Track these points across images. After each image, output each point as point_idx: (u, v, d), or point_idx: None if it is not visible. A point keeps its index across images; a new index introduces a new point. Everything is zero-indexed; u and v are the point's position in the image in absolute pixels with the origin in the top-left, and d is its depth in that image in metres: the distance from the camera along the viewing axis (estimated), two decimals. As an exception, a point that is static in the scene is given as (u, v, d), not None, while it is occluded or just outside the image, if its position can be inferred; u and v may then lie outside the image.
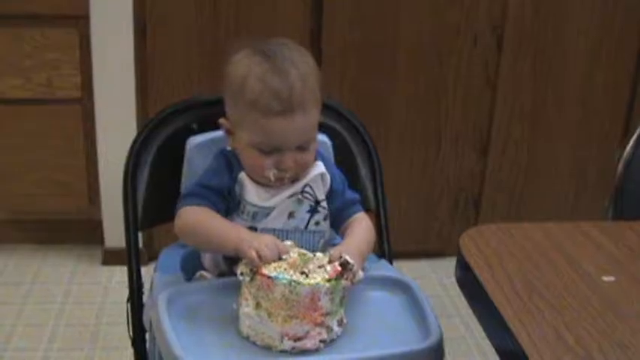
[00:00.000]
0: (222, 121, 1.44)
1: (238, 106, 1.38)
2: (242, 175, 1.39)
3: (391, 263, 1.65)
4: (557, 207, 2.93)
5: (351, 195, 1.50)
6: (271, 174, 1.36)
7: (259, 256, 1.23)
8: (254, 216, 1.39)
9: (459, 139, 2.85)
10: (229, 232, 1.33)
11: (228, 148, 1.45)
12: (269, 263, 1.23)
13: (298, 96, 1.33)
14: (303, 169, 1.40)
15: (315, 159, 1.43)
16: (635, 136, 1.70)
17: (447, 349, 2.40)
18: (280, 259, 1.24)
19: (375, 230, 1.66)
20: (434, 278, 2.72)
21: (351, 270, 1.25)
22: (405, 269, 2.72)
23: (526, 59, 2.76)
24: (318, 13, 2.64)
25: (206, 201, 1.38)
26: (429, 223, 2.93)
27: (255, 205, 1.38)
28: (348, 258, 1.25)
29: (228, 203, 1.40)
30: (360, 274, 1.28)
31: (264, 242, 1.26)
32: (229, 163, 1.42)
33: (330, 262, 1.25)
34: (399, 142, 2.82)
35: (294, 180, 1.40)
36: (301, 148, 1.37)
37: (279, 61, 1.35)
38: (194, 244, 1.44)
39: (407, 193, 2.89)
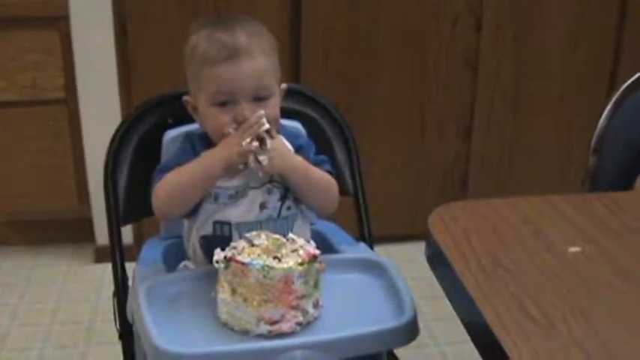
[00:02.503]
0: (185, 98, 1.48)
1: (192, 69, 1.43)
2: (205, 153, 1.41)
3: (372, 246, 1.66)
4: (544, 183, 2.95)
5: (316, 158, 1.50)
6: (231, 129, 1.37)
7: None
8: (215, 197, 1.40)
9: (443, 121, 2.87)
10: (200, 165, 1.38)
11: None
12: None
13: (244, 44, 1.38)
14: None
15: (278, 132, 1.45)
16: (606, 111, 1.72)
17: (439, 330, 2.44)
18: (252, 244, 1.27)
19: (355, 214, 1.70)
20: (423, 260, 2.73)
21: (265, 147, 1.32)
22: (394, 253, 2.77)
23: (506, 38, 2.78)
24: (298, 1, 2.66)
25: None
26: (416, 206, 2.94)
27: (215, 186, 1.40)
28: (268, 140, 1.32)
29: None
30: (265, 160, 1.33)
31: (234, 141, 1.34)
32: (192, 143, 1.45)
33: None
34: (384, 127, 2.84)
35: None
36: (258, 99, 1.39)
37: (227, 23, 1.41)
38: (179, 207, 1.43)
39: (393, 177, 2.91)
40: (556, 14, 2.78)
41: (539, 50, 2.81)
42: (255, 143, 1.32)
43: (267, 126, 1.33)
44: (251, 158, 1.33)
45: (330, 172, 1.48)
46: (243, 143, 1.32)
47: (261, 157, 1.32)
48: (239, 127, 1.37)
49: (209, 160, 1.37)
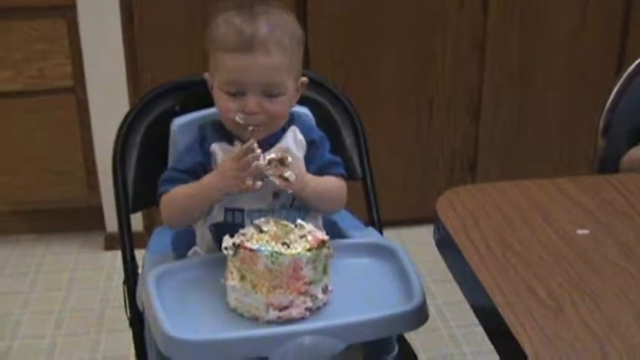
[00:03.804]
0: (206, 75, 1.47)
1: (211, 52, 1.41)
2: (214, 147, 1.42)
3: (381, 230, 1.67)
4: (552, 165, 2.94)
5: (329, 157, 1.49)
6: (237, 117, 1.37)
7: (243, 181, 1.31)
8: None
9: (451, 104, 2.86)
10: (204, 192, 1.38)
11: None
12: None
13: (261, 36, 1.35)
14: (272, 119, 1.40)
15: (291, 123, 1.45)
16: (613, 93, 1.71)
17: (450, 313, 2.45)
18: (261, 230, 1.27)
19: (364, 198, 1.70)
20: (433, 243, 2.74)
21: (286, 165, 1.31)
22: (404, 236, 2.78)
23: (513, 19, 2.77)
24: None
25: (179, 184, 1.41)
26: (426, 189, 2.94)
27: None
28: (289, 157, 1.31)
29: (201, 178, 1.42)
30: (292, 175, 1.32)
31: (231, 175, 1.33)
32: (203, 135, 1.45)
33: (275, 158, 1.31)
34: (392, 111, 2.84)
35: (272, 141, 1.42)
36: (268, 94, 1.38)
37: (252, 10, 1.39)
38: (186, 222, 1.47)
39: (403, 161, 2.90)
40: (563, -6, 2.77)
41: (546, 31, 2.80)
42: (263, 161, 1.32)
43: (265, 161, 1.31)
44: (273, 178, 1.32)
45: (342, 175, 1.48)
46: (248, 181, 1.31)
47: (287, 174, 1.31)
48: (245, 117, 1.37)
49: (210, 189, 1.37)
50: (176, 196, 1.40)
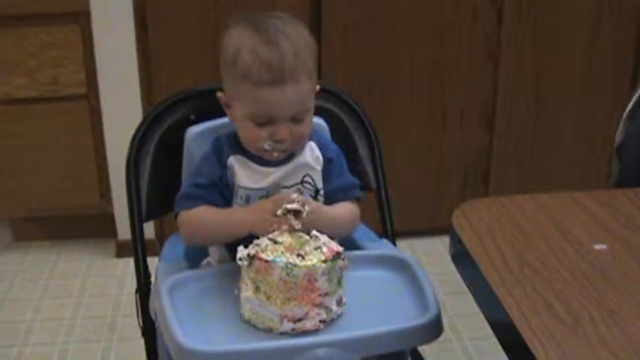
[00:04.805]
0: (219, 94, 1.46)
1: (232, 79, 1.39)
2: (231, 160, 1.41)
3: (394, 242, 1.66)
4: (566, 177, 2.93)
5: (347, 179, 1.49)
6: (266, 145, 1.37)
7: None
8: (247, 199, 1.40)
9: (465, 115, 2.85)
10: (234, 222, 1.37)
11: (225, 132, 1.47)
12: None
13: (289, 66, 1.33)
14: (299, 141, 1.41)
15: (310, 138, 1.44)
16: (630, 104, 1.70)
17: (462, 326, 2.44)
18: (276, 242, 1.26)
19: (377, 209, 1.69)
20: (446, 255, 2.73)
21: (299, 212, 1.30)
22: (417, 247, 2.78)
23: (527, 29, 2.76)
24: (318, -5, 2.65)
25: (200, 200, 1.41)
26: (439, 200, 2.93)
27: (246, 188, 1.40)
28: (306, 209, 1.31)
29: (224, 193, 1.41)
30: (298, 223, 1.31)
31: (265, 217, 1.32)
32: (219, 149, 1.43)
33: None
34: (405, 121, 2.83)
35: (290, 155, 1.42)
36: (295, 119, 1.37)
37: (271, 33, 1.36)
38: (207, 244, 1.49)
39: (416, 171, 2.90)
40: (577, 5, 2.76)
41: (561, 42, 2.79)
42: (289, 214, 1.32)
43: (298, 205, 1.31)
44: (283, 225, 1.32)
45: (357, 198, 1.49)
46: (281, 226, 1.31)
47: (294, 222, 1.31)
48: (274, 143, 1.37)
49: (237, 222, 1.37)
50: (201, 218, 1.40)
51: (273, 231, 1.29)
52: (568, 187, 2.93)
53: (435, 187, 2.95)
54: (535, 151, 2.93)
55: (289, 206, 1.31)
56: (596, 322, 0.99)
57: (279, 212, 1.31)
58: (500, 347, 1.06)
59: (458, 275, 1.25)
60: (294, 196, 1.33)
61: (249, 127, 1.38)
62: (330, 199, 1.46)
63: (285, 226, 1.30)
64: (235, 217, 1.38)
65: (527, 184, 2.92)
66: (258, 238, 1.30)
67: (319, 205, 1.39)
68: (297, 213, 1.30)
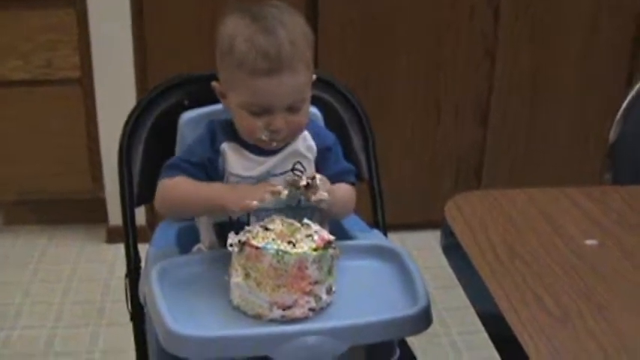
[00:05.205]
0: (214, 84, 1.44)
1: (227, 68, 1.37)
2: (224, 146, 1.40)
3: (385, 233, 1.66)
4: (560, 175, 2.93)
5: (344, 165, 1.49)
6: (263, 135, 1.36)
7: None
8: None
9: (459, 110, 2.85)
10: (209, 194, 1.35)
11: (218, 118, 1.46)
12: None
13: (286, 55, 1.32)
14: (295, 131, 1.40)
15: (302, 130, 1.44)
16: (625, 103, 1.70)
17: (451, 320, 2.44)
18: (267, 229, 1.26)
19: (370, 200, 1.69)
20: (438, 249, 2.73)
21: (313, 186, 1.28)
22: (408, 240, 2.77)
23: (523, 27, 2.76)
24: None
25: (183, 173, 1.39)
26: (432, 194, 2.93)
27: (238, 176, 1.39)
28: (317, 178, 1.29)
29: (210, 176, 1.41)
30: (324, 194, 1.29)
31: (250, 196, 1.28)
32: (213, 133, 1.42)
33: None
34: (400, 115, 2.83)
35: (285, 144, 1.41)
36: (292, 109, 1.36)
37: (267, 21, 1.34)
38: (173, 215, 1.46)
39: (409, 165, 2.90)
40: (575, 4, 2.76)
41: (557, 40, 2.79)
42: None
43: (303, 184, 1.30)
44: (308, 194, 1.31)
45: (352, 183, 1.48)
46: (251, 203, 1.28)
47: (323, 196, 1.30)
48: (270, 133, 1.36)
49: (211, 194, 1.35)
50: (177, 186, 1.38)
51: (246, 207, 1.28)
52: (561, 184, 2.95)
53: (428, 182, 2.95)
54: (529, 148, 2.93)
55: (302, 183, 1.29)
56: (585, 317, 1.00)
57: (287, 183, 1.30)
58: (488, 342, 1.06)
59: (448, 269, 1.25)
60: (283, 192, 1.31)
61: (245, 116, 1.37)
62: None
63: (263, 196, 1.28)
64: (213, 189, 1.37)
65: (520, 180, 2.92)
66: (248, 224, 1.30)
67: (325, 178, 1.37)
68: (308, 187, 1.29)
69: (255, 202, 1.26)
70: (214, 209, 1.36)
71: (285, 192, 1.28)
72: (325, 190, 1.31)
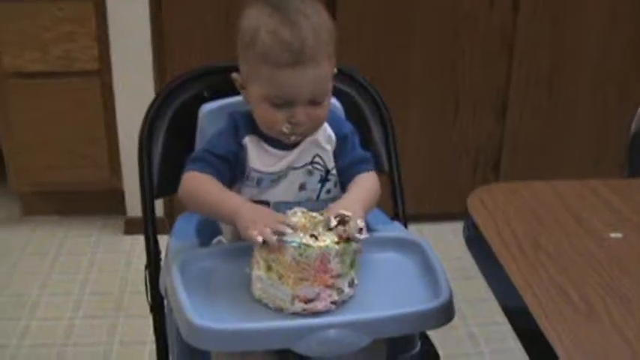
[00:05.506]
0: (234, 75, 1.43)
1: (249, 59, 1.36)
2: (246, 140, 1.40)
3: (406, 225, 1.65)
4: (577, 169, 2.92)
5: (360, 152, 1.48)
6: (284, 127, 1.35)
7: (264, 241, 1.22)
8: (258, 182, 1.39)
9: (477, 102, 2.84)
10: (224, 203, 1.34)
11: (239, 110, 1.45)
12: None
13: (310, 48, 1.31)
14: (316, 124, 1.39)
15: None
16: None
17: (468, 311, 2.44)
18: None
19: (390, 193, 1.68)
20: (455, 240, 2.73)
21: (348, 222, 1.23)
22: (427, 232, 2.77)
23: (543, 20, 2.75)
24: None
25: (210, 168, 1.38)
26: (449, 185, 2.93)
27: (258, 171, 1.39)
28: (344, 212, 1.25)
29: (234, 169, 1.40)
30: (360, 222, 1.25)
31: (266, 225, 1.23)
32: (236, 126, 1.42)
33: (331, 223, 1.25)
34: (418, 107, 2.82)
35: (305, 136, 1.40)
36: (314, 102, 1.35)
37: (290, 13, 1.33)
38: (194, 210, 1.45)
39: (427, 156, 2.89)
40: (594, -3, 2.75)
41: (576, 32, 2.77)
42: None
43: (333, 223, 1.25)
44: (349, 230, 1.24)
45: (371, 167, 1.46)
46: (258, 238, 1.22)
47: (359, 235, 1.24)
48: (292, 126, 1.35)
49: (231, 210, 1.31)
50: (202, 185, 1.37)
51: (251, 238, 1.23)
52: (580, 178, 2.94)
53: (445, 173, 2.95)
54: (546, 141, 2.92)
55: (333, 224, 1.24)
56: (610, 310, 0.99)
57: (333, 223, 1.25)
58: (506, 333, 1.06)
59: (464, 261, 1.25)
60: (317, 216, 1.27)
61: (266, 108, 1.36)
62: (343, 174, 1.45)
63: (260, 239, 1.22)
64: (232, 201, 1.34)
65: (538, 174, 2.91)
66: None
67: (350, 202, 1.33)
68: (342, 222, 1.25)
69: (259, 239, 1.22)
70: (227, 221, 1.36)
71: (289, 231, 1.24)
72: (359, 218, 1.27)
